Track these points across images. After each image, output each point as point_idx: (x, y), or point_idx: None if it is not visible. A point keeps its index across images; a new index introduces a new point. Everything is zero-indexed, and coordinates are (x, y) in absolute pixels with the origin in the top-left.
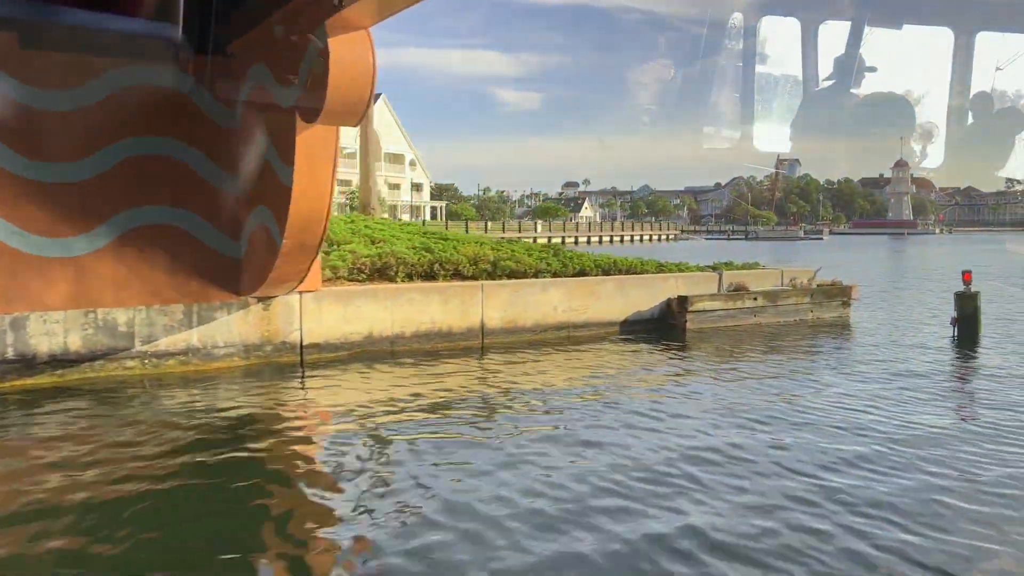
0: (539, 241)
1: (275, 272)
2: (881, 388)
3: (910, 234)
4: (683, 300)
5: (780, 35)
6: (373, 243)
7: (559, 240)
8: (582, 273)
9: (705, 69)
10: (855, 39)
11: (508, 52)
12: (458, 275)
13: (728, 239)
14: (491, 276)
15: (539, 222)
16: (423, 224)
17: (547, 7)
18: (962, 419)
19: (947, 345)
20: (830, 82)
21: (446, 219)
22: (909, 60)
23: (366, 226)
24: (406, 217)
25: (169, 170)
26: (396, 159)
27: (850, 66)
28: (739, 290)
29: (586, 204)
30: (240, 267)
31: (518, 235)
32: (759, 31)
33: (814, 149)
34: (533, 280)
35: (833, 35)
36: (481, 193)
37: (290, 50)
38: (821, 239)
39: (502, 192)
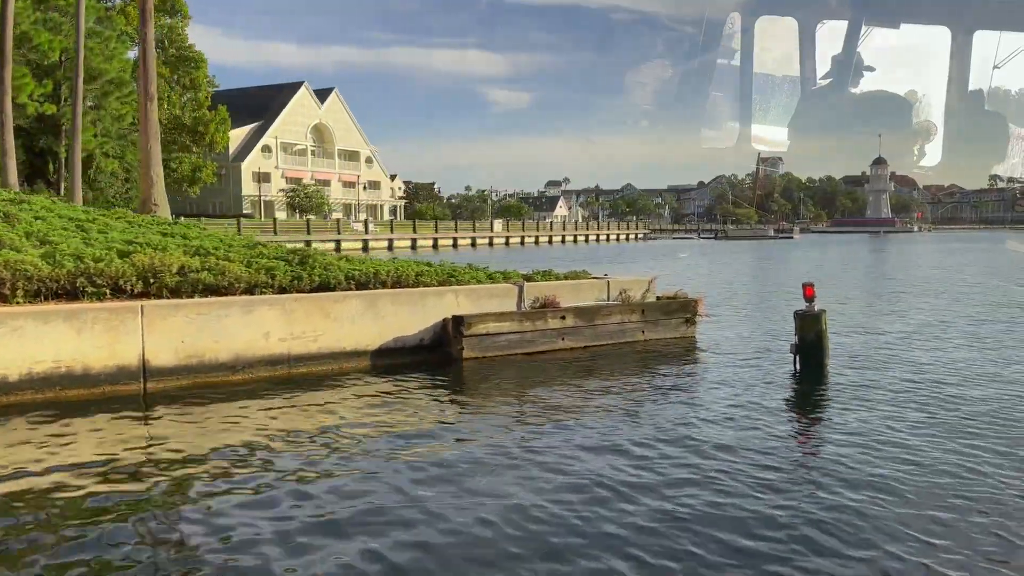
0: (496, 242)
1: None
2: (655, 449)
3: (886, 232)
4: (458, 322)
5: (777, 35)
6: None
7: (518, 240)
8: (324, 288)
9: (697, 69)
10: (852, 38)
11: (498, 52)
12: (122, 293)
13: (698, 238)
14: (176, 293)
15: (496, 221)
16: (339, 223)
17: (538, 7)
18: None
19: (784, 381)
20: (827, 81)
21: (387, 219)
22: (907, 59)
23: (77, 225)
24: (363, 216)
25: None
26: (351, 156)
27: (847, 65)
28: (545, 306)
29: (560, 203)
30: None
31: (473, 235)
32: (755, 31)
33: (811, 148)
34: (231, 299)
35: (831, 34)
36: (448, 192)
37: None
38: (792, 238)
39: (483, 191)
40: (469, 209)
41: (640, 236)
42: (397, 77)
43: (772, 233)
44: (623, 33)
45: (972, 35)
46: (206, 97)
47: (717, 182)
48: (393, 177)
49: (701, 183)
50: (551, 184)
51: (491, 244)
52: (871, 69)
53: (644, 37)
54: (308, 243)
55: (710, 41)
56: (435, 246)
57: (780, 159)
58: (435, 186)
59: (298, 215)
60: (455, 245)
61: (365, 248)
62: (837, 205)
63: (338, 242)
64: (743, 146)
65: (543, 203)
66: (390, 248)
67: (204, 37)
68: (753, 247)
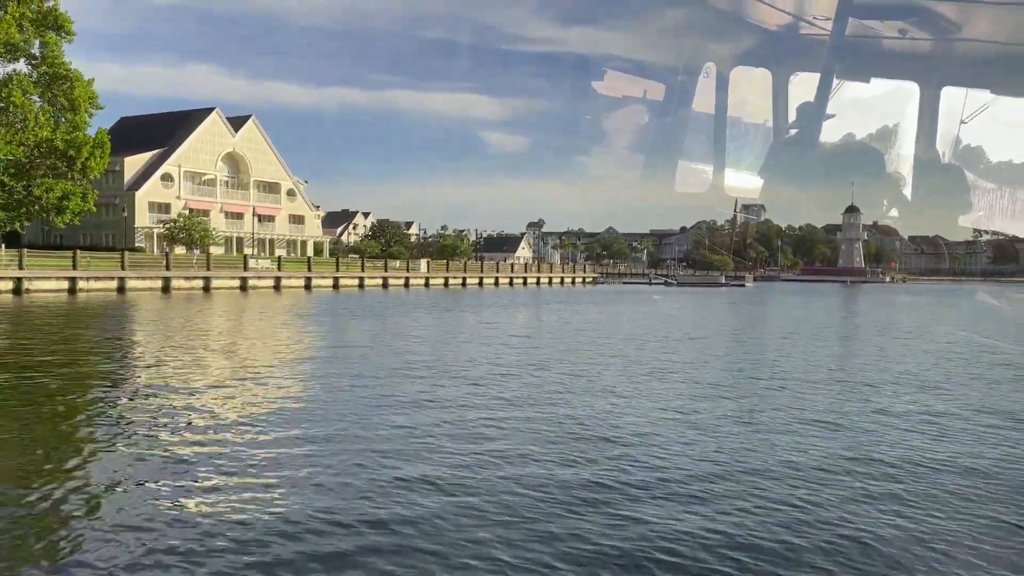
0: (411, 282)
1: None
2: None
3: (853, 282)
4: None
5: (752, 85)
6: None
7: (441, 282)
8: None
9: (678, 116)
10: (824, 91)
11: (495, 95)
12: None
13: (649, 284)
14: None
15: (424, 261)
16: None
17: (532, 54)
18: None
19: None
20: (797, 131)
21: (282, 257)
22: (877, 112)
23: None
24: (281, 252)
25: None
26: (270, 188)
27: (819, 116)
28: None
29: (522, 244)
30: None
31: (384, 275)
32: (730, 80)
33: (785, 196)
34: None
35: (803, 86)
36: (431, 231)
37: None
38: (743, 286)
39: (461, 231)
40: (467, 249)
41: (588, 280)
42: (395, 119)
43: (723, 280)
44: (613, 80)
45: (940, 91)
46: (86, 119)
47: (697, 227)
48: (367, 215)
49: (684, 228)
50: (532, 225)
51: (407, 285)
52: (834, 117)
53: (638, 84)
54: (167, 280)
55: (690, 91)
56: (335, 286)
57: (762, 206)
58: (411, 224)
59: (194, 250)
60: (361, 285)
61: (244, 287)
62: (816, 253)
63: (207, 279)
64: (728, 194)
65: (504, 244)
66: (277, 288)
67: (208, 77)
68: (689, 294)
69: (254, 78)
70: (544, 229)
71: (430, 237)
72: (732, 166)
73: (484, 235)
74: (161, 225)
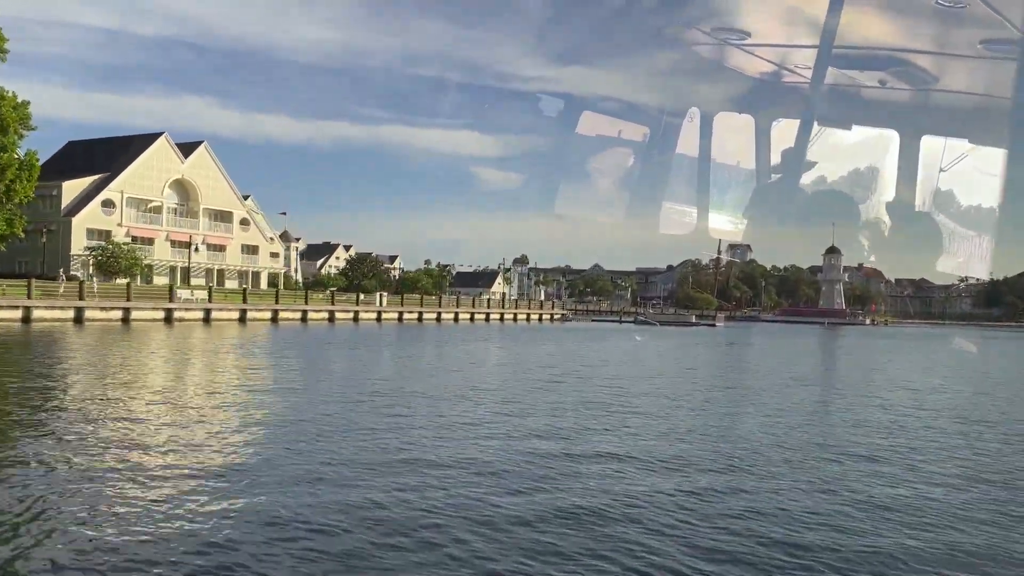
0: (361, 316)
1: None
2: None
3: (832, 323)
4: None
5: (735, 130)
6: None
7: (394, 316)
8: None
9: (665, 158)
10: (805, 137)
11: (488, 132)
12: None
13: (619, 322)
14: None
15: (383, 295)
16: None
17: (525, 92)
18: None
19: None
20: (780, 175)
21: (213, 287)
22: (858, 158)
23: None
24: (233, 283)
25: None
26: (222, 216)
27: (799, 161)
28: None
29: (498, 280)
30: None
31: (331, 307)
32: (714, 125)
33: (771, 236)
34: None
35: (786, 132)
36: (415, 265)
37: None
38: (714, 326)
39: (445, 266)
40: (428, 283)
41: (557, 317)
42: (390, 155)
43: (694, 319)
44: (608, 120)
45: (919, 140)
46: (15, 140)
47: (683, 266)
48: (348, 247)
49: (670, 266)
50: (517, 262)
51: (356, 320)
52: (814, 164)
53: (616, 125)
54: (80, 311)
55: (673, 130)
56: (274, 319)
57: (748, 246)
58: (395, 259)
59: (94, 278)
60: (304, 319)
61: (168, 319)
62: (800, 294)
63: (127, 311)
64: (711, 236)
65: (479, 280)
66: (207, 320)
67: (200, 109)
68: (646, 334)
69: (247, 110)
70: (532, 265)
71: (413, 272)
72: (716, 209)
73: (456, 270)
74: (88, 252)
